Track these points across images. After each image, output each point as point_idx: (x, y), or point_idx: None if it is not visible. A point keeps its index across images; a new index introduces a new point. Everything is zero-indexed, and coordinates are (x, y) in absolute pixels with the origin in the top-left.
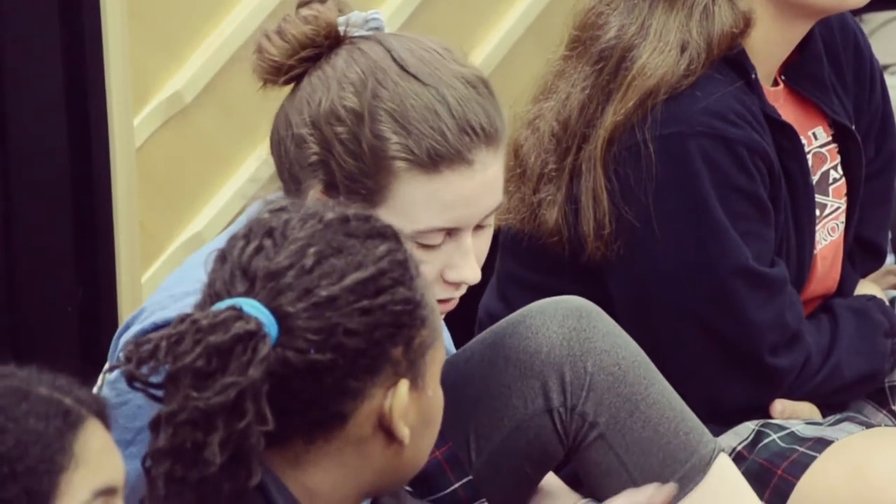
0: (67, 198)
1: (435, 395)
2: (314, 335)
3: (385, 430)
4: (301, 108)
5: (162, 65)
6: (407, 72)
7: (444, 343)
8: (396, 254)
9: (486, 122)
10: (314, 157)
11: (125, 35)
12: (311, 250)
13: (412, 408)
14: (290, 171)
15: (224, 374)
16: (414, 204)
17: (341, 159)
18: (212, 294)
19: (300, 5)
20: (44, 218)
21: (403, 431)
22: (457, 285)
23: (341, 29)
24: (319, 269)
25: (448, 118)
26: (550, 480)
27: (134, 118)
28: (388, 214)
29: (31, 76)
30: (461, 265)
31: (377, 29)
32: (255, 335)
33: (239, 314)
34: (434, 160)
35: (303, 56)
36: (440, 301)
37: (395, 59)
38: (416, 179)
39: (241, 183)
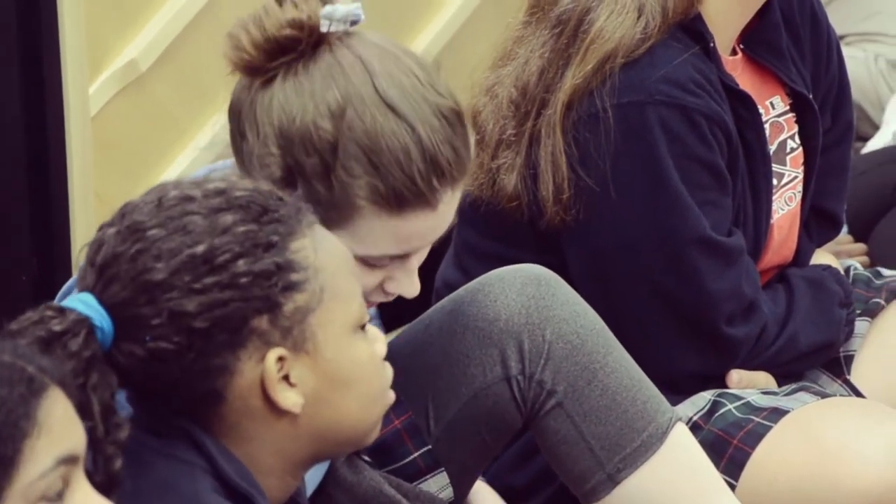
0: (22, 167)
1: (341, 355)
2: (150, 322)
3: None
4: (271, 115)
5: (117, 32)
6: (385, 103)
7: (345, 301)
8: (240, 225)
9: (454, 162)
10: (277, 173)
11: (80, 3)
12: (144, 234)
13: (308, 373)
14: (246, 161)
15: None
16: (371, 235)
17: (309, 184)
18: (78, 285)
19: None
20: None
21: (290, 400)
22: (390, 294)
23: (324, 27)
24: (147, 255)
25: (419, 161)
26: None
27: (89, 86)
28: (342, 235)
29: None
30: (402, 281)
31: (355, 22)
32: (67, 332)
33: (55, 313)
34: (400, 203)
35: (282, 60)
36: (370, 302)
37: (375, 87)
38: (378, 216)
39: (197, 151)
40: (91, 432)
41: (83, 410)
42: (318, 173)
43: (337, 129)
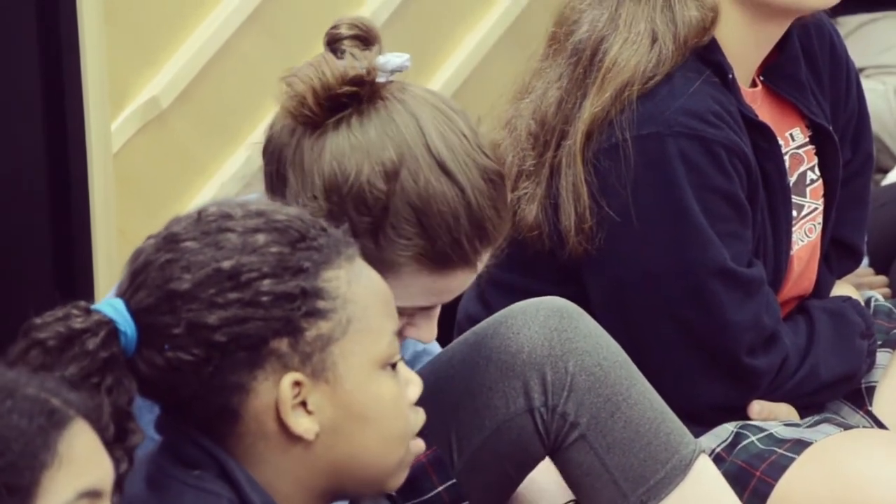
0: (45, 204)
1: (362, 389)
2: (170, 331)
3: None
4: (321, 166)
5: (138, 70)
6: (438, 165)
7: (374, 337)
8: (272, 246)
9: (497, 224)
10: (321, 206)
11: (102, 40)
12: (175, 245)
13: (326, 402)
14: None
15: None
16: (408, 289)
17: (354, 238)
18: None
19: (338, 40)
20: (21, 224)
21: (301, 426)
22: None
23: (380, 78)
24: (175, 265)
25: (467, 225)
26: (545, 477)
27: (111, 123)
28: None
29: (7, 82)
30: (423, 328)
31: (401, 70)
32: (86, 331)
33: (80, 313)
34: (444, 264)
35: (339, 116)
36: None
37: (428, 148)
38: (420, 274)
39: (217, 188)
40: (101, 433)
41: (95, 411)
42: (366, 231)
43: (390, 189)
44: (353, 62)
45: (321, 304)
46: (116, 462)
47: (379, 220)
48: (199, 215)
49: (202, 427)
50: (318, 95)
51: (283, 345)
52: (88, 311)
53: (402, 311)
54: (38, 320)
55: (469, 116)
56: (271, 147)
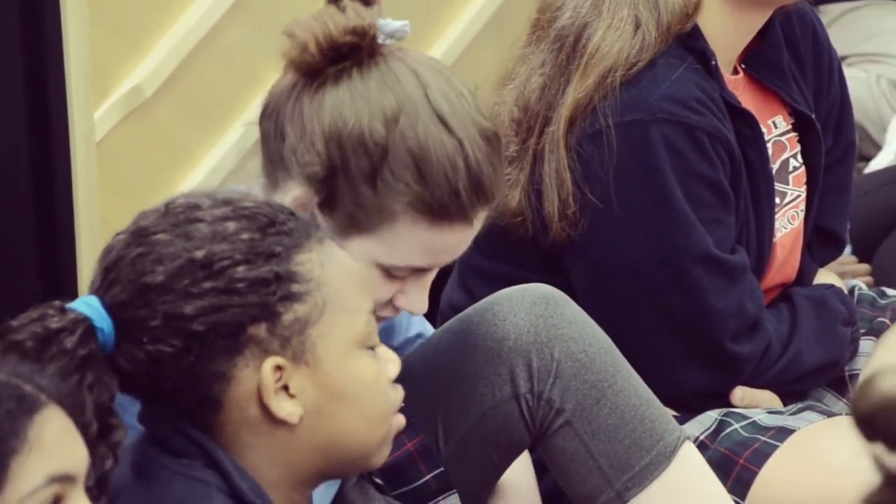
0: (28, 193)
1: (341, 369)
2: (148, 324)
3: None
4: (322, 116)
5: (122, 58)
6: (437, 116)
7: (351, 317)
8: (242, 233)
9: (494, 182)
10: (319, 172)
11: (85, 28)
12: (146, 239)
13: (307, 384)
14: (282, 163)
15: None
16: (403, 244)
17: (352, 185)
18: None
19: None
20: (4, 214)
21: (284, 410)
22: (399, 309)
23: (380, 38)
24: (147, 258)
25: (465, 176)
26: (519, 479)
27: (94, 112)
28: (372, 242)
29: None
30: (414, 297)
31: (401, 38)
32: (64, 330)
33: (56, 312)
34: (441, 214)
35: (340, 66)
36: (379, 318)
37: (427, 98)
38: (416, 225)
39: (201, 177)
40: (84, 430)
41: (77, 409)
42: (364, 175)
43: (390, 133)
44: (354, 16)
45: (296, 287)
46: (101, 459)
47: (377, 164)
48: (167, 208)
49: (185, 418)
50: (321, 43)
51: (261, 330)
52: (63, 310)
53: (395, 274)
54: (14, 322)
55: (467, 83)
56: (270, 107)
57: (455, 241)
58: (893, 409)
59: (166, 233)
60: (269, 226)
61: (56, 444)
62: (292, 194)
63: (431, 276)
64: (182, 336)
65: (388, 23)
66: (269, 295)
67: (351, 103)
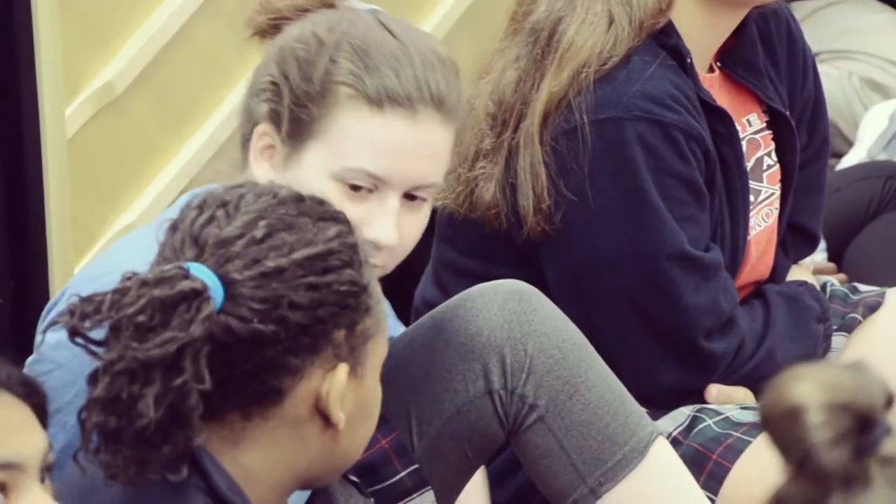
0: None
1: (373, 387)
2: (259, 304)
3: (321, 413)
4: (275, 45)
5: (93, 55)
6: (384, 27)
7: (386, 339)
8: (347, 237)
9: (443, 89)
10: (269, 78)
11: (56, 24)
12: (263, 222)
13: (350, 395)
14: (247, 107)
15: (165, 328)
16: (350, 138)
17: (293, 81)
18: (160, 261)
19: None
20: None
21: (339, 416)
22: (372, 247)
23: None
24: (269, 241)
25: (408, 68)
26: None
27: (65, 109)
28: (322, 148)
29: None
30: (379, 224)
31: None
32: (199, 294)
33: (185, 273)
34: (380, 96)
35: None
36: None
37: (377, 18)
38: (358, 111)
39: (173, 174)
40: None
41: (198, 377)
42: (304, 63)
43: (331, 31)
44: None
45: (367, 299)
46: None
47: (316, 51)
48: (275, 195)
49: (238, 405)
50: (292, 13)
51: (340, 335)
52: (188, 273)
53: (353, 183)
54: (149, 276)
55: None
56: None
57: (404, 139)
58: (790, 417)
59: (282, 219)
60: (351, 233)
61: (3, 431)
62: (257, 133)
63: (394, 202)
64: (282, 323)
65: (358, 3)
66: (359, 303)
67: (301, 25)
